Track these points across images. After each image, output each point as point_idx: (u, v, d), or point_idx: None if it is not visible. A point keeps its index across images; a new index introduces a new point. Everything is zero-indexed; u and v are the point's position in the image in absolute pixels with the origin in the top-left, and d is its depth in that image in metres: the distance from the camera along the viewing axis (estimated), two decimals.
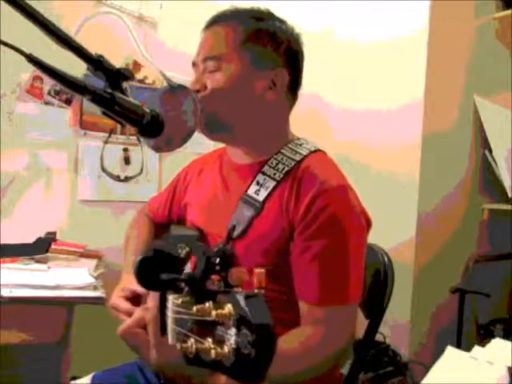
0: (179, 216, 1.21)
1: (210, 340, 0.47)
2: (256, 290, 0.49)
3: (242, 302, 0.45)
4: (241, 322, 0.45)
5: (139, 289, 0.96)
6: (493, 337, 1.52)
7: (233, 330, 0.45)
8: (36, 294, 1.37)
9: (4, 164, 1.91)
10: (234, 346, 0.45)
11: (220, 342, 0.46)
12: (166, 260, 0.59)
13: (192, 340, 0.48)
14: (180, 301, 0.54)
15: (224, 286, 0.52)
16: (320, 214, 0.90)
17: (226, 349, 0.45)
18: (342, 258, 0.90)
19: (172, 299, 0.57)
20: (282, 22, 1.03)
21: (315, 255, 0.89)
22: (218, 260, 0.53)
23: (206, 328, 0.48)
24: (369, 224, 0.99)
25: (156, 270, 0.58)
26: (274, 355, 0.44)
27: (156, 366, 0.71)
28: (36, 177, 1.99)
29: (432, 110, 2.13)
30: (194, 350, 0.47)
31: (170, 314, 0.57)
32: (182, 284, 0.55)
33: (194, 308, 0.48)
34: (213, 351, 0.45)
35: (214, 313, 0.46)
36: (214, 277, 0.53)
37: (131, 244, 1.20)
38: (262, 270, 0.50)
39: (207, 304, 0.48)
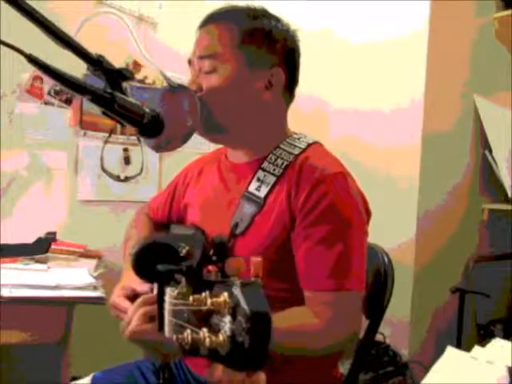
0: (179, 216, 1.21)
1: (205, 330, 0.46)
2: (253, 279, 0.49)
3: (238, 290, 0.45)
4: (236, 309, 0.44)
5: (139, 288, 0.95)
6: (493, 337, 1.52)
7: (228, 318, 0.45)
8: (36, 294, 1.37)
9: (4, 164, 1.90)
10: (229, 333, 0.44)
11: (215, 331, 0.46)
12: (164, 252, 0.59)
13: (188, 331, 0.47)
14: (176, 292, 0.53)
15: (221, 277, 0.52)
16: (320, 201, 0.90)
17: (220, 337, 0.44)
18: (343, 244, 0.89)
19: (169, 292, 0.56)
20: (277, 19, 1.02)
21: (317, 242, 0.89)
22: (213, 250, 0.53)
23: (202, 318, 0.48)
24: (368, 213, 0.98)
25: (153, 261, 0.57)
26: (269, 343, 0.43)
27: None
28: (36, 177, 1.99)
29: (432, 111, 2.13)
30: (190, 340, 0.46)
31: (167, 307, 0.57)
32: (180, 276, 0.55)
33: (191, 298, 0.48)
34: (207, 340, 0.45)
35: (209, 301, 0.45)
36: (212, 268, 0.52)
37: (131, 243, 1.20)
38: (259, 259, 0.49)
39: (203, 294, 0.47)
